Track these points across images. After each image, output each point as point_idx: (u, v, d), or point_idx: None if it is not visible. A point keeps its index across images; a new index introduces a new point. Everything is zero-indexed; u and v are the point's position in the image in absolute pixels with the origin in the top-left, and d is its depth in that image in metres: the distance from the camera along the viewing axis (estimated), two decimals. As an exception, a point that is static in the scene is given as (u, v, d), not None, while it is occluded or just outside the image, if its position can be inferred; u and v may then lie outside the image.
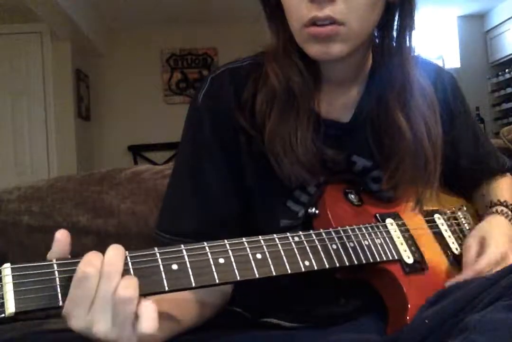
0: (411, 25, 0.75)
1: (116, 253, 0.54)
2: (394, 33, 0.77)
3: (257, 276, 0.61)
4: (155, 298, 0.54)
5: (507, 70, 5.07)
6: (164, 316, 0.65)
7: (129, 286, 0.51)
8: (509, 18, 4.97)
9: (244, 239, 0.63)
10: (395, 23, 0.75)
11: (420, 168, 0.78)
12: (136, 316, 0.51)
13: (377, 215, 0.79)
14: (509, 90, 5.09)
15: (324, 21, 0.67)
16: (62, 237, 0.54)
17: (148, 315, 0.52)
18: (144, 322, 0.51)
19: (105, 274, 0.52)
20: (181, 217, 0.77)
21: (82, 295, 0.51)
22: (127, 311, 0.51)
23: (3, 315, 0.49)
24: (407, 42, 0.76)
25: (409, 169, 0.77)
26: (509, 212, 0.87)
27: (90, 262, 0.52)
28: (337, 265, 0.68)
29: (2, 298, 0.49)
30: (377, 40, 0.79)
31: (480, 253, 0.78)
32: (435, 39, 5.27)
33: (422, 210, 0.84)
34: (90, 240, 1.17)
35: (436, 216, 0.88)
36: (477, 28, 5.46)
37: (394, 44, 0.76)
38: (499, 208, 0.87)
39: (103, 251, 0.55)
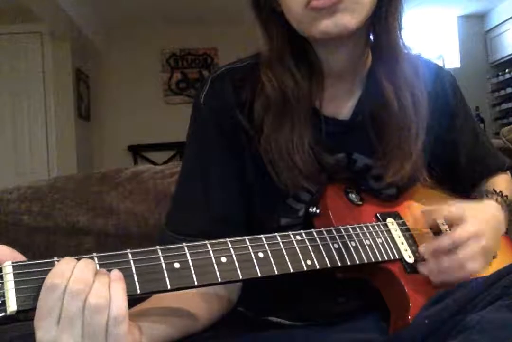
0: (399, 14, 0.75)
1: (84, 268, 0.51)
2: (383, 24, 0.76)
3: (259, 275, 0.61)
4: (168, 296, 0.52)
5: (507, 70, 5.08)
6: (178, 314, 0.65)
7: (100, 295, 0.49)
8: (509, 18, 4.98)
9: (246, 238, 0.63)
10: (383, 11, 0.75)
11: (404, 137, 0.77)
12: (107, 327, 0.49)
13: (378, 214, 0.79)
14: (509, 90, 5.10)
15: None
16: None
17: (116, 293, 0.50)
18: (113, 303, 0.49)
19: (71, 291, 0.49)
20: (191, 217, 0.77)
21: (49, 306, 0.49)
22: (98, 321, 0.49)
23: (4, 313, 0.48)
24: (397, 28, 0.75)
25: (396, 138, 0.77)
26: (503, 202, 0.87)
27: (61, 273, 0.50)
28: (339, 264, 0.67)
29: (4, 296, 0.48)
30: (372, 38, 0.79)
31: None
32: (435, 39, 5.28)
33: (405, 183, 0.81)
34: (90, 240, 1.17)
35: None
36: (477, 28, 5.46)
37: (384, 33, 0.76)
38: (494, 197, 0.87)
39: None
